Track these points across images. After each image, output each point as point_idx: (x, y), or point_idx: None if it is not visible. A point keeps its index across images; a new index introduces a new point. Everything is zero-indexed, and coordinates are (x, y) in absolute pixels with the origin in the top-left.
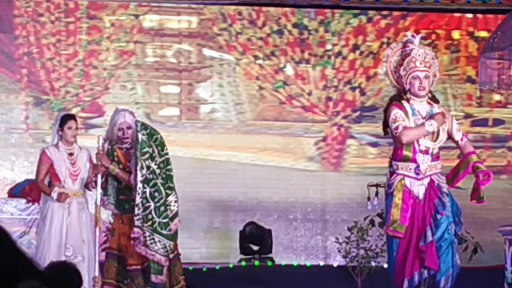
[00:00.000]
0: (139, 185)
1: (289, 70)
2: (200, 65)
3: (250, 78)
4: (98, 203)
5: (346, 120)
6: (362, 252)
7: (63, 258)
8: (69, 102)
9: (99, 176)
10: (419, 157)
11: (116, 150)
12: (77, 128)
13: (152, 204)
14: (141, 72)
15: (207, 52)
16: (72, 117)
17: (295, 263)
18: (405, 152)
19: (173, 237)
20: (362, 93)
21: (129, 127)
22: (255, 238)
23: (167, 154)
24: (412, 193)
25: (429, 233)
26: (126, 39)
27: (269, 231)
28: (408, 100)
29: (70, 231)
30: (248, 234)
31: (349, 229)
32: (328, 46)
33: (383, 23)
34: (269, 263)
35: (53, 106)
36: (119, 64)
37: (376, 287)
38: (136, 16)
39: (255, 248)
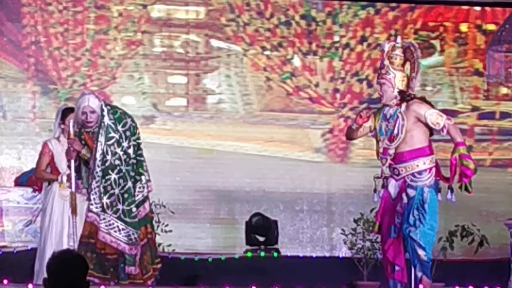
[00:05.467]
0: (98, 170)
1: (297, 61)
2: (207, 56)
3: (257, 69)
4: (73, 189)
5: (353, 112)
6: (368, 244)
7: (65, 247)
8: (76, 91)
9: (72, 161)
10: (382, 159)
11: (83, 134)
12: None
13: (116, 191)
14: (149, 62)
15: (214, 42)
16: (73, 110)
17: (300, 255)
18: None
19: (139, 225)
20: (369, 85)
21: (92, 111)
22: (261, 229)
23: (138, 139)
24: (389, 192)
25: (392, 230)
26: (133, 29)
27: (275, 222)
28: (385, 105)
29: (72, 222)
30: (254, 225)
31: (355, 221)
32: (336, 38)
33: (391, 15)
34: (275, 254)
35: (60, 96)
36: (126, 54)
37: (382, 279)
38: (144, 6)
39: (261, 239)
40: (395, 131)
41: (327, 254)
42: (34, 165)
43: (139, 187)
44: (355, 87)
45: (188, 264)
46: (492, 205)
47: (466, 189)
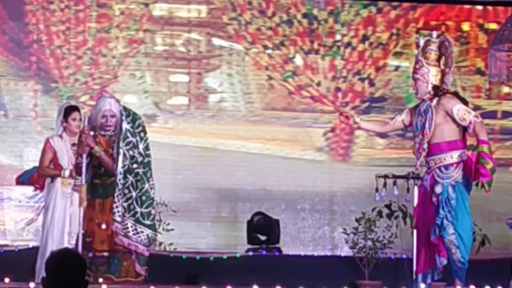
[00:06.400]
0: (119, 176)
1: (298, 60)
2: (209, 55)
3: (259, 68)
4: (83, 182)
5: (355, 111)
6: (369, 243)
7: (66, 246)
8: (78, 90)
9: (84, 155)
10: (417, 154)
11: (98, 136)
12: (80, 119)
13: (134, 194)
14: (150, 60)
15: (216, 41)
16: (76, 108)
17: (302, 254)
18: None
19: (155, 226)
20: (371, 84)
21: (113, 116)
22: (263, 228)
23: (147, 139)
24: (424, 186)
25: (437, 227)
26: (135, 27)
27: (277, 221)
28: (422, 101)
29: (73, 220)
30: (255, 224)
31: (357, 220)
32: (338, 37)
33: (392, 14)
34: (277, 253)
35: (62, 94)
36: (128, 53)
37: (384, 278)
38: (146, 5)
39: (263, 238)
40: (426, 126)
41: (329, 253)
42: (36, 164)
43: (151, 184)
44: (357, 86)
45: (190, 263)
46: (494, 205)
47: (483, 187)
